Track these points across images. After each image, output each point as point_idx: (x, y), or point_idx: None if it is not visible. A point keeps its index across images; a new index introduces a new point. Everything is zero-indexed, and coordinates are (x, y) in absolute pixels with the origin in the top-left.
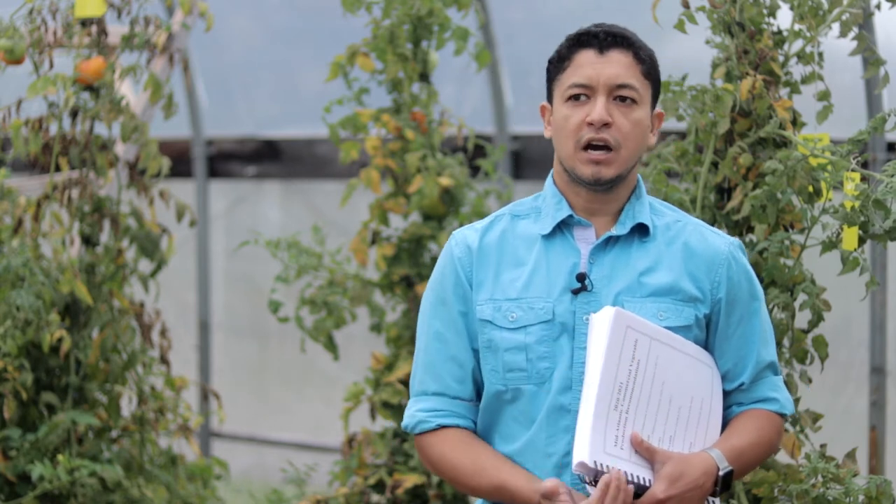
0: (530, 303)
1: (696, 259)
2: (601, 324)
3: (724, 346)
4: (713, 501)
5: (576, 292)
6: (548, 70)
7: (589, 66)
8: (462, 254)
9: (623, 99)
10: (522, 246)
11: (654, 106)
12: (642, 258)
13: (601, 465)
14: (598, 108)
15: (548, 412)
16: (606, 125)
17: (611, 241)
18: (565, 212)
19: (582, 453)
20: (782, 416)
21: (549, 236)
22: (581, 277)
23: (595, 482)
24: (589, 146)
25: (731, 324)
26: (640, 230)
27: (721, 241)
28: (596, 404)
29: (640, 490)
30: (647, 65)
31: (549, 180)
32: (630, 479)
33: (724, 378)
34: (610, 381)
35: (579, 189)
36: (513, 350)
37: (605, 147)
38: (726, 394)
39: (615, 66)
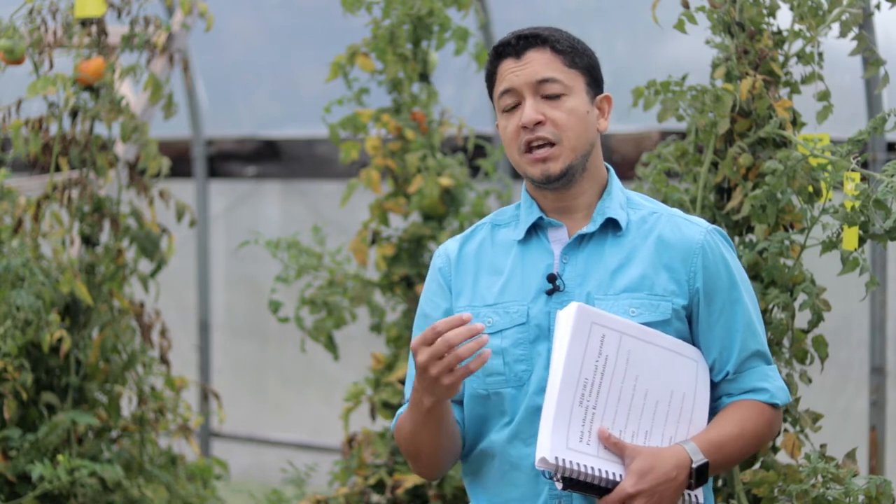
0: (506, 307)
1: (670, 251)
2: (565, 320)
3: (709, 337)
4: (691, 495)
5: (549, 293)
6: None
7: (509, 73)
8: (443, 264)
9: (552, 95)
10: (501, 254)
11: (596, 91)
12: (615, 254)
13: (563, 460)
14: (527, 110)
15: (525, 413)
16: (540, 123)
17: (584, 240)
18: (536, 214)
19: (543, 449)
20: (774, 406)
21: (524, 241)
22: (552, 278)
23: (560, 479)
24: (530, 148)
25: (713, 313)
26: (613, 226)
27: (696, 229)
28: (557, 400)
29: (610, 486)
30: (569, 55)
31: (523, 187)
32: (598, 474)
33: (711, 370)
34: (573, 377)
35: (545, 192)
36: (491, 354)
37: (547, 144)
38: (715, 386)
39: (533, 66)
